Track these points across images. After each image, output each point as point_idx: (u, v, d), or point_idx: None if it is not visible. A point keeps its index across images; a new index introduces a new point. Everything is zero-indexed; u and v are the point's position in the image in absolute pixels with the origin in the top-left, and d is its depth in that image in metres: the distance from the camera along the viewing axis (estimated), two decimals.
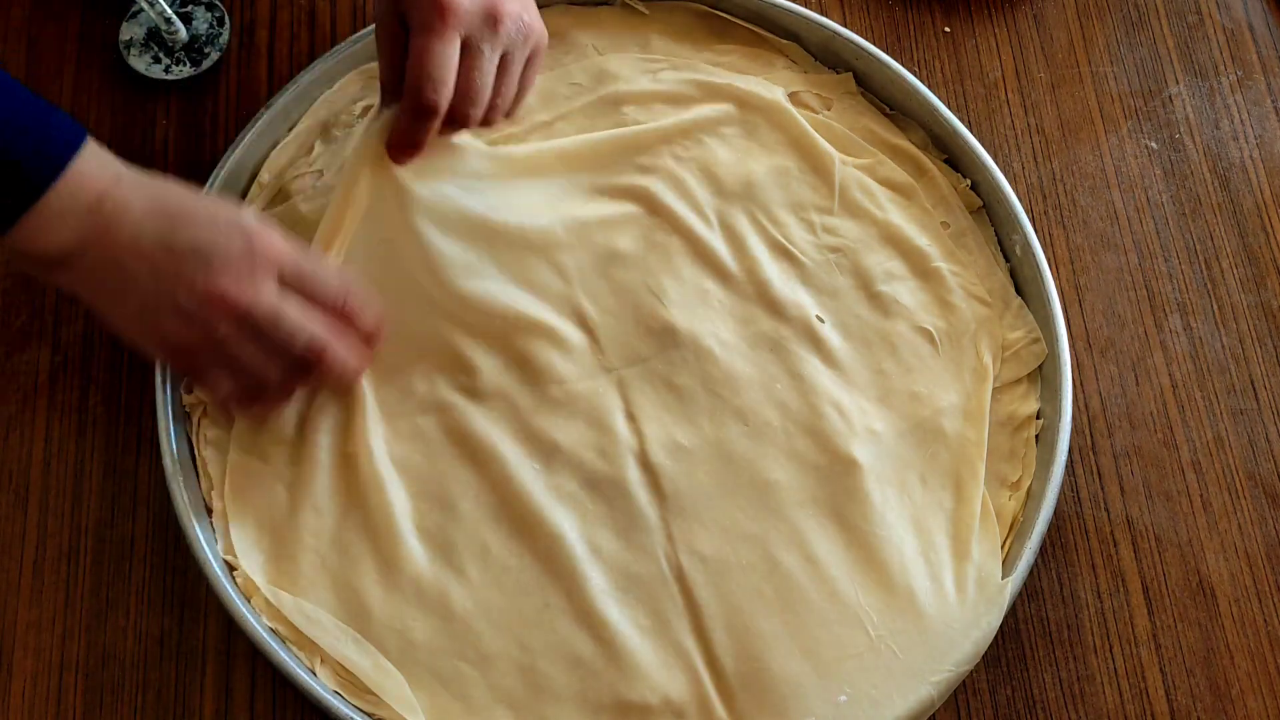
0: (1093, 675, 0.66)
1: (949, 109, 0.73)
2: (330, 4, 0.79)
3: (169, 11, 0.75)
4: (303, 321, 0.59)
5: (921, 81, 0.73)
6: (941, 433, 0.66)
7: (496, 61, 0.61)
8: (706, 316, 0.68)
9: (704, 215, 0.70)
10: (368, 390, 0.66)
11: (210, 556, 0.62)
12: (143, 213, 0.56)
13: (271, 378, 0.60)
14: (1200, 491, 0.70)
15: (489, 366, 0.66)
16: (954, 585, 0.63)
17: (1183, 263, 0.75)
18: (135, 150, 0.75)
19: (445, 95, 0.59)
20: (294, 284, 0.59)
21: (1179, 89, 0.80)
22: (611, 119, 0.72)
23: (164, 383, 0.65)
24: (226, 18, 0.77)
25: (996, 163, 0.72)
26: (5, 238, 0.54)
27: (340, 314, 0.61)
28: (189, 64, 0.76)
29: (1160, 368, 0.73)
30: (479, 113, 0.61)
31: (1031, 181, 0.77)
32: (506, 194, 0.68)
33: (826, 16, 0.75)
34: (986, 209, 0.73)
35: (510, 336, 0.67)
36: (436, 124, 0.60)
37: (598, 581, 0.63)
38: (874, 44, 0.74)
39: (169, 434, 0.64)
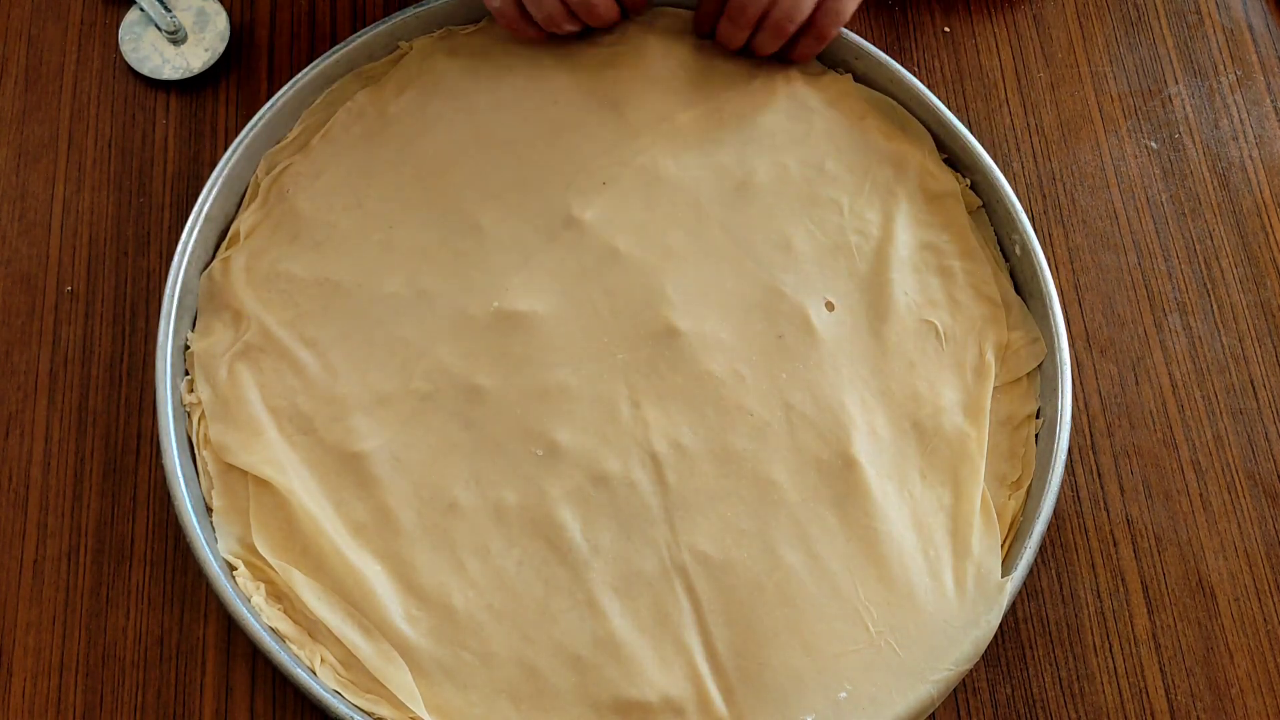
0: (1092, 674, 0.66)
1: (949, 109, 0.73)
2: (330, 4, 0.79)
3: (168, 12, 0.75)
4: None
5: (921, 82, 0.73)
6: (942, 430, 0.66)
7: None
8: (709, 313, 0.68)
9: (716, 207, 0.70)
10: (356, 384, 0.66)
11: (210, 556, 0.62)
12: None
13: (542, 7, 0.67)
14: (1200, 491, 0.70)
15: (490, 345, 0.67)
16: (954, 583, 0.63)
17: (1182, 262, 0.75)
18: (135, 150, 0.75)
19: None
20: None
21: (1178, 89, 0.80)
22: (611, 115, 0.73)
23: (164, 382, 0.65)
24: (226, 18, 0.77)
25: (996, 162, 0.72)
26: None
27: None
28: (189, 64, 0.76)
29: (1160, 367, 0.73)
30: (747, 26, 0.71)
31: (1031, 181, 0.77)
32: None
33: None
34: (986, 209, 0.73)
35: (513, 319, 0.67)
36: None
37: (598, 578, 0.63)
38: (874, 44, 0.74)
39: (169, 434, 0.64)
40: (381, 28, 0.73)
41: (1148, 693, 0.66)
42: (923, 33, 0.80)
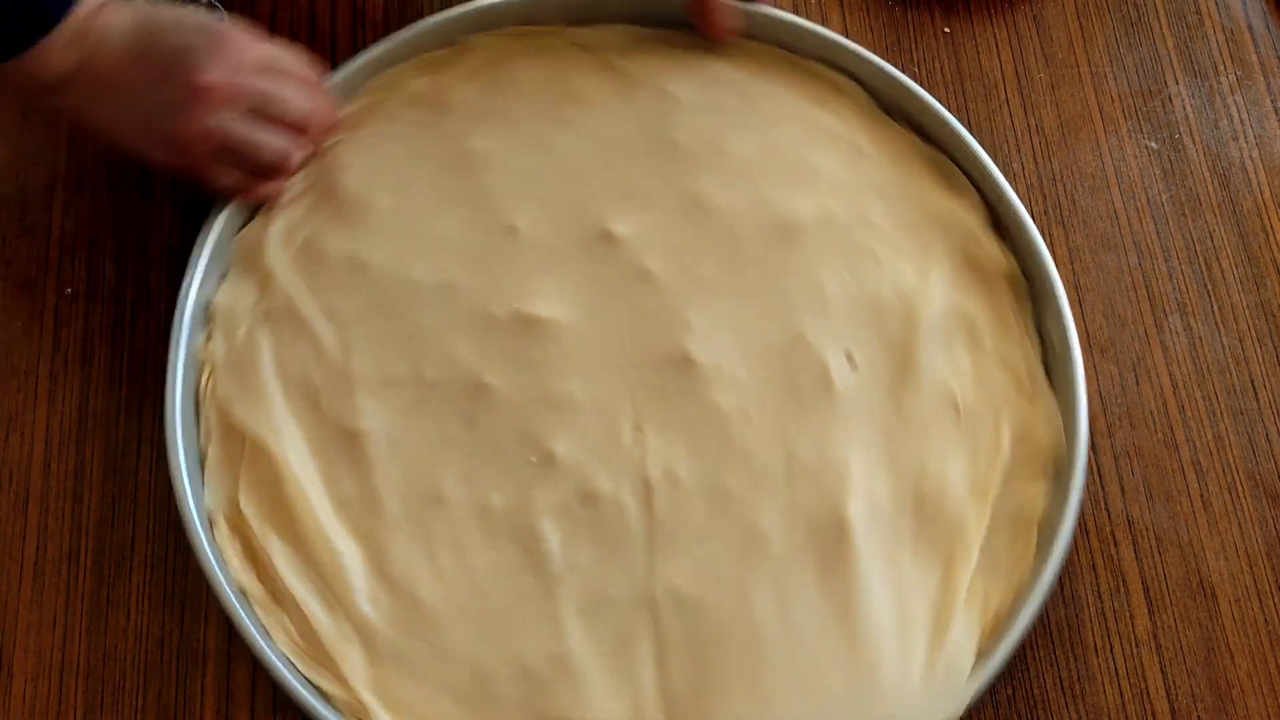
0: (1093, 675, 0.66)
1: (949, 109, 0.72)
2: (330, 5, 0.79)
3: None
4: (289, 94, 0.65)
5: (921, 83, 0.73)
6: (943, 508, 0.64)
7: None
8: (728, 348, 0.66)
9: (750, 245, 0.69)
10: (368, 364, 0.66)
11: (215, 565, 0.62)
12: (123, 30, 0.62)
13: (268, 153, 0.65)
14: (1200, 491, 0.70)
15: (504, 346, 0.66)
16: (922, 669, 0.61)
17: (1182, 263, 0.75)
18: None
19: None
20: (269, 70, 0.65)
21: (1178, 89, 0.80)
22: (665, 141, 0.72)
23: (180, 335, 0.65)
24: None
25: (996, 163, 0.71)
26: (4, 67, 0.60)
27: (306, 79, 0.67)
28: None
29: (1160, 367, 0.73)
30: None
31: (1031, 182, 0.77)
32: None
33: (827, 17, 0.75)
34: (1030, 285, 0.70)
35: (532, 323, 0.67)
36: None
37: (568, 596, 0.62)
38: (873, 45, 0.74)
39: (175, 431, 0.64)
40: (439, 20, 0.73)
41: (1149, 693, 0.66)
42: (923, 33, 0.80)
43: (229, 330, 0.67)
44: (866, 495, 0.64)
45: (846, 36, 0.75)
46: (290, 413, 0.65)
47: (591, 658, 0.61)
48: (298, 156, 0.67)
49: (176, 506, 0.62)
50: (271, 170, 0.67)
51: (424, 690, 0.61)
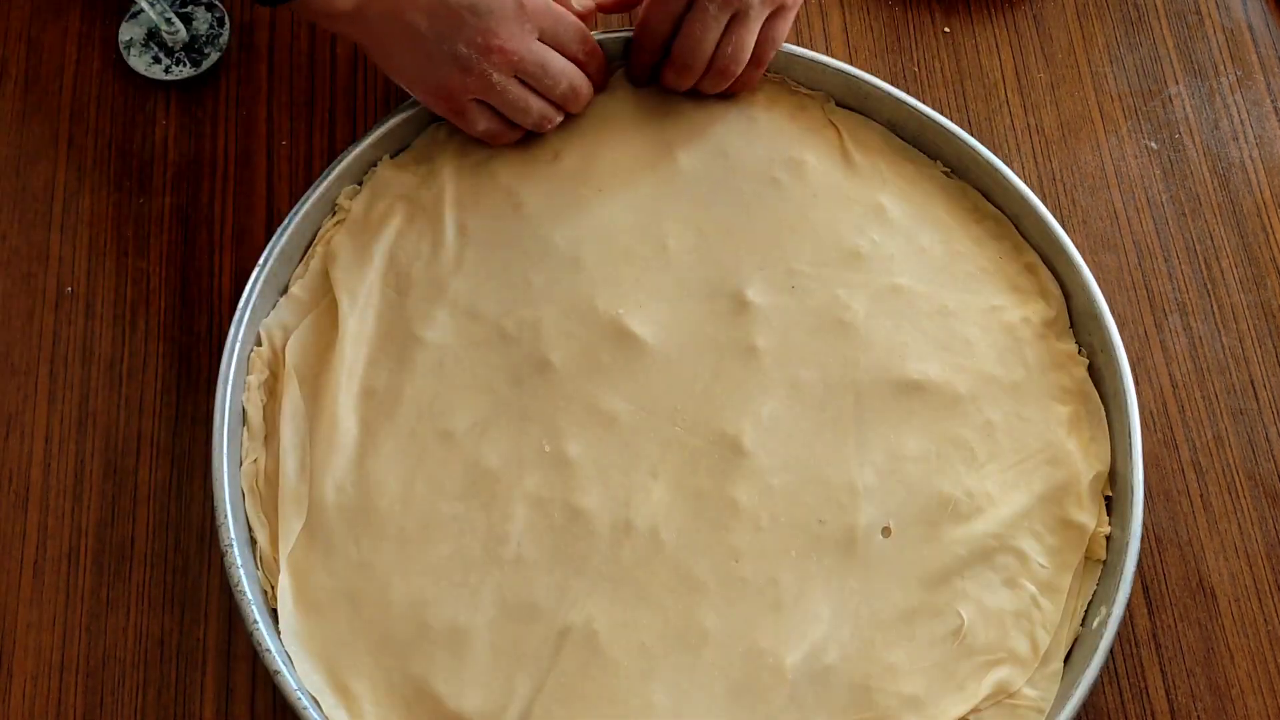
0: None
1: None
2: None
3: (169, 12, 0.75)
4: (563, 68, 0.67)
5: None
6: (874, 700, 0.61)
7: (724, 21, 0.65)
8: (778, 458, 0.64)
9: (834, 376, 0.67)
10: (465, 288, 0.68)
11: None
12: None
13: (532, 118, 0.68)
14: (1200, 491, 0.70)
15: (585, 339, 0.67)
16: None
17: (1182, 262, 0.75)
18: (135, 150, 0.75)
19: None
20: (550, 37, 0.66)
21: (1179, 89, 0.80)
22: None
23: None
24: (226, 18, 0.77)
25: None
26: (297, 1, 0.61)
27: (580, 60, 0.68)
28: (189, 64, 0.76)
29: (1160, 367, 0.73)
30: (695, 73, 0.68)
31: (1031, 181, 0.77)
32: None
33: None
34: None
35: (623, 334, 0.67)
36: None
37: (500, 581, 0.62)
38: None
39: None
40: None
41: (1148, 693, 0.66)
42: (923, 33, 0.80)
43: (375, 195, 0.70)
44: (809, 654, 0.61)
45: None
46: (378, 290, 0.68)
47: (485, 647, 0.61)
48: (556, 120, 0.69)
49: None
50: (521, 128, 0.69)
51: (332, 585, 0.62)
